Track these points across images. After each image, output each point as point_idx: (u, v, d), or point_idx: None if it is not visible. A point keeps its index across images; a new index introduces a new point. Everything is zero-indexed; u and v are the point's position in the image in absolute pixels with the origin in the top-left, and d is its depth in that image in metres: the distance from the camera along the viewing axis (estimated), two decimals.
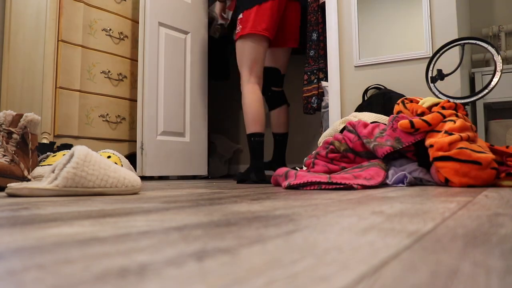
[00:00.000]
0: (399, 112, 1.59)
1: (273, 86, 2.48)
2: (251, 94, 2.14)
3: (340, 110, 2.35)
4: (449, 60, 2.04)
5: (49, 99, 2.03)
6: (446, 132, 1.31)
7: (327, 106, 2.40)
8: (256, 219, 0.48)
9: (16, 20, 2.22)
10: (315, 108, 2.51)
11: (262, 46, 2.19)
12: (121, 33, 2.42)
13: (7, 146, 1.12)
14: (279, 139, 2.50)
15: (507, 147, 1.40)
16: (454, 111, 1.41)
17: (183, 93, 2.60)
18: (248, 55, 2.18)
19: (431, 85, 1.90)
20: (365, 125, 1.51)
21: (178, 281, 0.21)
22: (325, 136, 1.77)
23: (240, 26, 2.18)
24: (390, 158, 1.44)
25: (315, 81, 2.51)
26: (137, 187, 0.97)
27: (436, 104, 1.51)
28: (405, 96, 2.01)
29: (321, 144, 1.62)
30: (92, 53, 2.25)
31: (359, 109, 2.15)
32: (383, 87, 2.22)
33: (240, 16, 2.19)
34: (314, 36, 2.52)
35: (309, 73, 2.54)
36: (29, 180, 1.13)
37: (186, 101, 2.62)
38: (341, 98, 2.36)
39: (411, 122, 1.36)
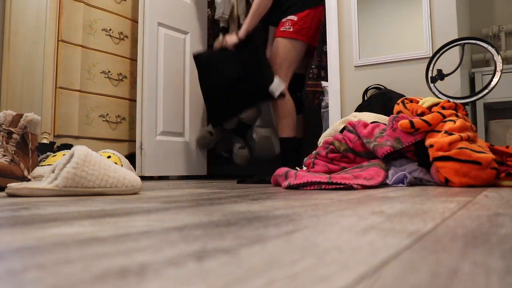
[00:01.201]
0: (399, 112, 1.59)
1: (298, 91, 2.43)
2: (291, 100, 2.21)
3: (340, 110, 2.35)
4: (449, 60, 2.04)
5: (49, 99, 2.03)
6: (446, 132, 1.31)
7: (327, 106, 2.40)
8: (256, 219, 0.48)
9: (16, 20, 2.22)
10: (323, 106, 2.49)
11: (302, 52, 2.25)
12: (121, 33, 2.42)
13: (7, 146, 1.12)
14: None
15: (507, 147, 1.40)
16: (454, 111, 1.41)
17: (182, 93, 2.60)
18: (293, 59, 2.23)
19: (431, 85, 1.90)
20: (365, 125, 1.51)
21: (178, 281, 0.21)
22: (325, 136, 1.77)
23: (292, 27, 2.21)
24: (390, 158, 1.44)
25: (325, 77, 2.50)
26: (137, 187, 0.97)
27: (436, 104, 1.51)
28: (405, 96, 2.01)
29: (321, 144, 1.62)
30: (92, 53, 2.25)
31: (359, 109, 2.15)
32: (383, 87, 2.22)
33: (293, 17, 2.21)
34: None
35: (319, 68, 2.52)
36: (29, 180, 1.13)
37: (185, 101, 2.62)
38: (341, 98, 2.36)
39: (411, 122, 1.36)
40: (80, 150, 0.89)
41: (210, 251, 0.29)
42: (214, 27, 3.22)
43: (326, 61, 2.49)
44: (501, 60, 1.75)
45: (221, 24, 3.12)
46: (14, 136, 1.14)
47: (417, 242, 0.33)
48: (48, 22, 2.06)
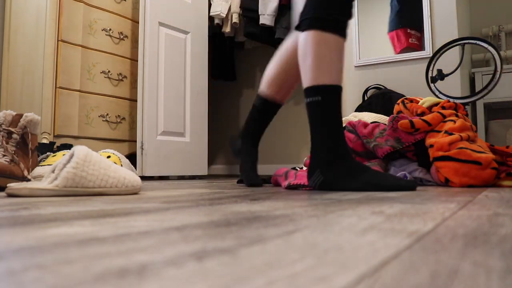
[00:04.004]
0: (399, 112, 1.59)
1: None
2: None
3: None
4: (449, 60, 2.04)
5: (49, 99, 2.03)
6: (446, 132, 1.31)
7: None
8: (256, 219, 0.48)
9: (16, 19, 2.22)
10: None
11: None
12: (121, 33, 2.42)
13: (7, 146, 1.12)
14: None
15: (507, 147, 1.40)
16: (454, 111, 1.41)
17: (183, 93, 2.60)
18: None
19: (431, 85, 1.90)
20: (365, 125, 1.51)
21: (178, 281, 0.21)
22: None
23: None
24: (390, 158, 1.44)
25: None
26: (137, 187, 0.97)
27: (436, 104, 1.51)
28: (405, 96, 2.01)
29: None
30: (92, 53, 2.25)
31: (359, 109, 2.15)
32: (383, 87, 2.22)
33: None
34: None
35: None
36: (29, 180, 1.13)
37: (186, 101, 2.62)
38: (341, 98, 2.36)
39: (411, 122, 1.36)
40: (80, 150, 0.89)
41: (210, 251, 0.29)
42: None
43: None
44: (501, 60, 1.75)
45: (216, 21, 3.13)
46: (14, 136, 1.14)
47: (417, 242, 0.33)
48: (48, 22, 2.06)
